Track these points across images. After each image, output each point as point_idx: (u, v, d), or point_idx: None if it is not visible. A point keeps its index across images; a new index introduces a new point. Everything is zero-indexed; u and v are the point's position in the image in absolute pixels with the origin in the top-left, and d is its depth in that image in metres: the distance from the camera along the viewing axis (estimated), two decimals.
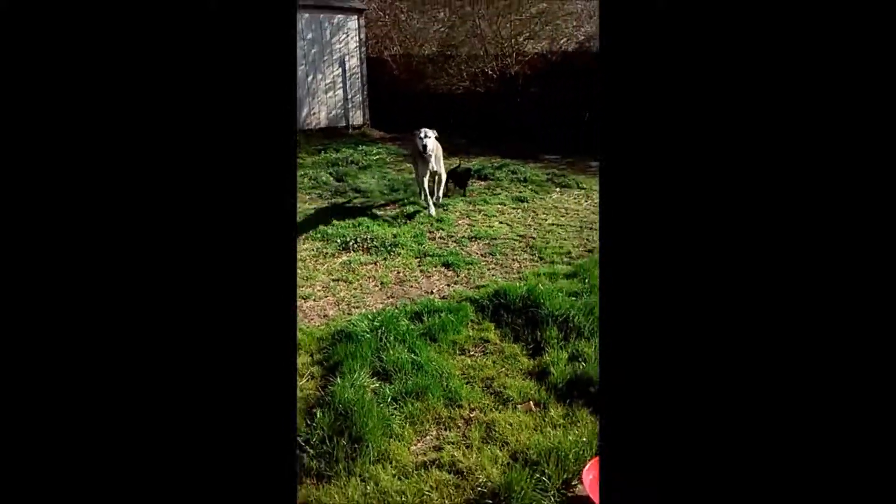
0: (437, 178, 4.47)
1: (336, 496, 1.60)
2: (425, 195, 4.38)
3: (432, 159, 4.23)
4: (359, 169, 5.78)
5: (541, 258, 3.44)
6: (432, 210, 4.29)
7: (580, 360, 2.23)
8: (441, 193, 4.53)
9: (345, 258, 3.47)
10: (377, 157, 6.45)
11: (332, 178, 5.40)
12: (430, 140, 4.20)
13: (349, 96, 8.31)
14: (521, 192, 4.86)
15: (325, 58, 8.12)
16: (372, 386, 2.10)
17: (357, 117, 8.41)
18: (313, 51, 7.96)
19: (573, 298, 2.67)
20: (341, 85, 8.27)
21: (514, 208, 4.46)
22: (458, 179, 4.98)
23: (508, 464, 1.71)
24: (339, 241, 3.70)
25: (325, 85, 8.17)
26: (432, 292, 3.03)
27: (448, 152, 6.78)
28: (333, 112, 8.28)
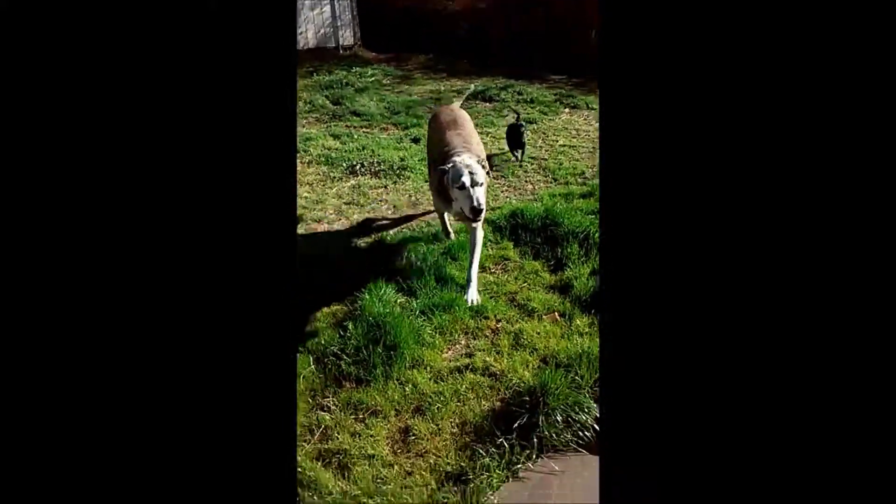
0: (470, 228, 2.31)
1: (377, 397, 1.73)
2: (446, 228, 2.62)
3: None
4: (355, 91, 5.65)
5: (554, 179, 3.49)
6: (473, 294, 2.18)
7: None
8: (477, 261, 2.30)
9: (353, 182, 3.49)
10: (373, 78, 6.29)
11: (328, 102, 5.29)
12: (481, 190, 2.09)
13: (337, 14, 7.96)
14: (528, 113, 4.82)
15: None
16: (399, 301, 2.20)
17: (347, 37, 8.10)
18: None
19: (592, 216, 2.75)
20: (328, 1, 7.90)
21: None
22: (513, 139, 3.59)
23: (539, 367, 1.85)
24: (344, 164, 3.70)
25: (311, 1, 7.79)
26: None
27: (448, 73, 6.64)
28: (322, 31, 7.95)
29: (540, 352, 1.93)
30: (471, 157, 2.19)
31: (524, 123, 3.68)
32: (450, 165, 2.17)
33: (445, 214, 2.63)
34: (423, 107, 5.18)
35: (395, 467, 1.51)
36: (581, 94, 5.33)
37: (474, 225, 2.27)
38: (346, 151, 3.96)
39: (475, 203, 2.08)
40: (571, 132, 4.40)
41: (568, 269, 2.40)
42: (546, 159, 3.83)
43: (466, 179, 2.10)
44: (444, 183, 2.20)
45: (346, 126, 4.60)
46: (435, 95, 5.59)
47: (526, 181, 3.51)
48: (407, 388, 1.77)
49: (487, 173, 2.21)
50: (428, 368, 1.86)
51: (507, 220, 2.81)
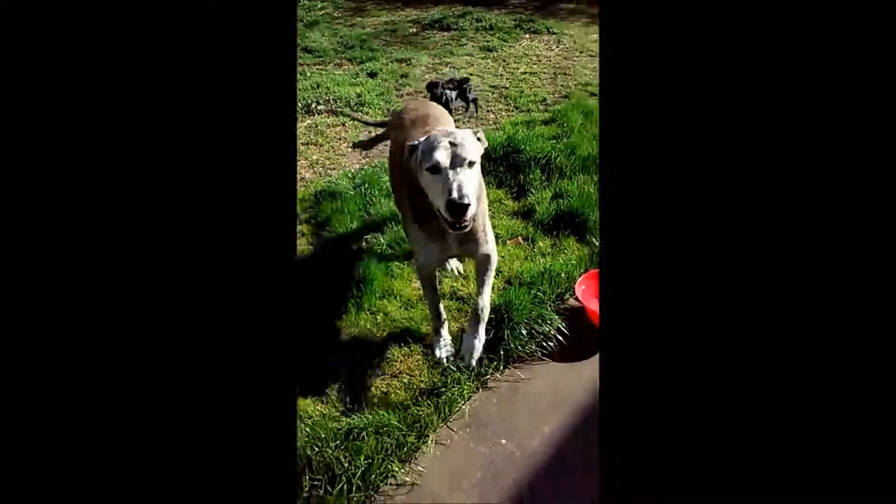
0: (477, 257, 1.61)
1: (349, 328, 1.82)
2: (438, 333, 1.69)
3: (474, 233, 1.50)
4: (304, 26, 5.44)
5: (516, 107, 3.51)
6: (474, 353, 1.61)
7: (564, 197, 2.42)
8: (487, 295, 1.63)
9: (309, 121, 3.45)
10: (322, 11, 6.05)
11: None
12: (468, 174, 1.32)
13: None
14: (488, 41, 4.75)
15: None
16: (366, 236, 2.25)
17: None
18: None
19: (553, 141, 2.81)
20: None
21: (482, 59, 4.39)
22: (460, 90, 3.31)
23: (504, 288, 1.95)
24: (300, 104, 3.63)
25: None
26: None
27: (402, 2, 6.40)
28: None
29: (504, 274, 2.03)
30: (459, 130, 1.45)
31: (441, 82, 3.19)
32: (422, 138, 1.41)
33: (435, 284, 1.62)
34: (379, 39, 5.04)
35: (372, 389, 1.62)
36: (541, 18, 5.25)
37: (482, 251, 1.49)
38: (300, 90, 3.87)
39: (454, 193, 1.27)
40: (532, 58, 4.37)
41: (530, 195, 2.48)
42: (507, 87, 3.82)
43: (442, 156, 1.31)
44: (411, 164, 1.41)
45: (299, 64, 4.46)
46: (390, 27, 5.43)
47: (488, 111, 3.52)
48: (378, 317, 1.86)
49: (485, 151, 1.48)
50: (398, 298, 1.95)
51: None
